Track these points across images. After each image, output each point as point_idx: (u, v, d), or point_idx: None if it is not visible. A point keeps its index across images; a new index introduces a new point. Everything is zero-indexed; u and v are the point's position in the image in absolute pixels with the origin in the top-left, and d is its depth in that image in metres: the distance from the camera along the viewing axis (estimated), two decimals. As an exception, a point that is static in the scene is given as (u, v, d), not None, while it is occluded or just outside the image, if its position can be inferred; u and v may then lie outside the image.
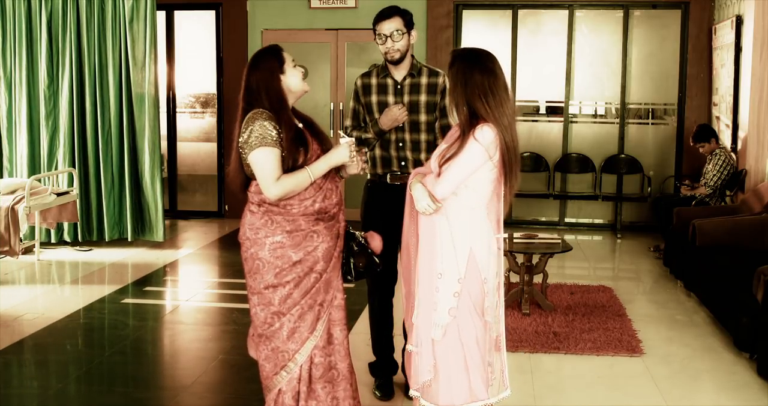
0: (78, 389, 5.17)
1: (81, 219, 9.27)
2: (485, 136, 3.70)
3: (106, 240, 9.33)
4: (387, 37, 4.66)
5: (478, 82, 3.68)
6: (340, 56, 11.08)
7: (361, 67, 10.75)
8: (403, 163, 4.81)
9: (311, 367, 3.84)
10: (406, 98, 4.78)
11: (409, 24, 4.71)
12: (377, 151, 4.85)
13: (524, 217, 11.11)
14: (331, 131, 11.01)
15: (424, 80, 4.80)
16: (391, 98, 4.80)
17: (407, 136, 4.79)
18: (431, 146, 4.81)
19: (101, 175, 9.34)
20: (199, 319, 6.76)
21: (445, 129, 4.82)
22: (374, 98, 4.84)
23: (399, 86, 4.80)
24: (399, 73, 4.80)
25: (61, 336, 6.22)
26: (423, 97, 4.77)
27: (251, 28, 11.15)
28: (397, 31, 4.65)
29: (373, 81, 4.86)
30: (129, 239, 9.39)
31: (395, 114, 4.71)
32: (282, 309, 3.78)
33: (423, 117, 4.78)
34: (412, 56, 4.83)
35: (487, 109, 3.69)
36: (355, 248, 4.01)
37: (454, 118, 4.89)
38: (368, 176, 4.97)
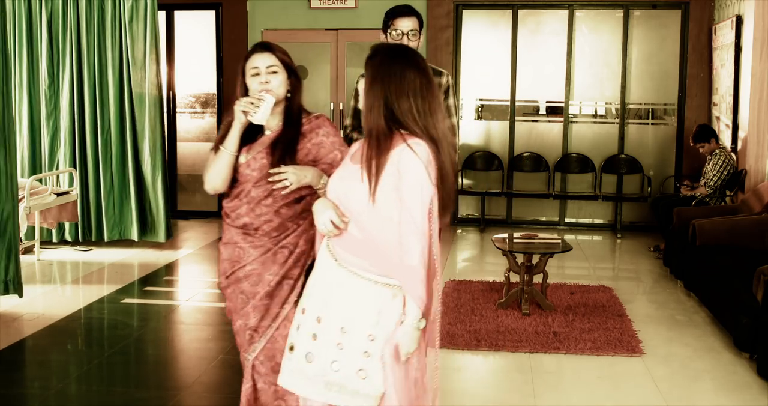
0: (78, 389, 5.16)
1: (81, 219, 9.26)
2: (422, 150, 2.99)
3: (106, 241, 9.31)
4: (404, 34, 4.62)
5: (410, 79, 3.04)
6: (340, 56, 11.08)
7: (360, 67, 10.68)
8: None
9: (256, 391, 3.68)
10: None
11: (421, 26, 4.71)
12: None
13: (524, 217, 11.11)
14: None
15: None
16: None
17: None
18: None
19: (101, 176, 9.31)
20: (199, 319, 6.76)
21: (448, 129, 4.81)
22: None
23: None
24: None
25: (61, 336, 6.21)
26: None
27: (251, 28, 11.14)
28: (414, 30, 4.63)
29: None
30: (135, 240, 9.37)
31: None
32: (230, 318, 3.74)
33: (425, 117, 4.74)
34: None
35: (416, 116, 3.02)
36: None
37: (454, 118, 4.88)
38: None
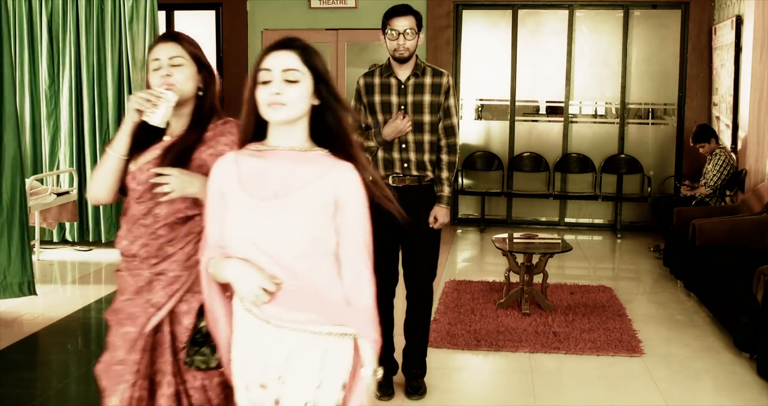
0: (78, 389, 5.17)
1: (80, 219, 9.25)
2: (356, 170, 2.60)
3: (103, 241, 9.29)
4: (400, 34, 4.63)
5: (327, 74, 2.63)
6: (340, 56, 11.08)
7: (361, 67, 10.74)
8: (405, 164, 4.79)
9: None
10: (409, 98, 4.75)
11: (419, 25, 4.71)
12: (379, 153, 4.82)
13: (524, 217, 11.11)
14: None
15: (428, 80, 4.77)
16: (394, 98, 4.77)
17: (410, 137, 4.76)
18: (434, 147, 4.81)
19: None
20: (199, 319, 6.75)
21: (449, 129, 4.83)
22: (377, 98, 4.80)
23: (402, 86, 4.77)
24: (403, 72, 4.77)
25: (61, 336, 6.22)
26: (427, 98, 4.76)
27: (251, 28, 11.14)
28: (410, 29, 4.64)
29: (376, 80, 4.82)
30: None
31: (399, 126, 4.70)
32: None
33: (427, 117, 4.76)
34: (416, 56, 4.80)
35: (342, 121, 2.62)
36: (197, 337, 2.99)
37: (456, 119, 4.88)
38: (369, 178, 4.92)
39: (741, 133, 8.81)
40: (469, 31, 10.96)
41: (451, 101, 4.81)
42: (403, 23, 4.64)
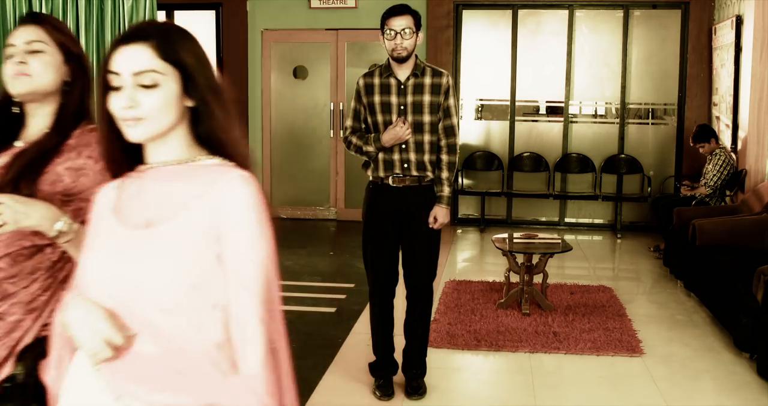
0: None
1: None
2: (252, 184, 1.90)
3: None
4: (397, 33, 4.64)
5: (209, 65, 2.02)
6: (340, 56, 11.08)
7: (361, 67, 10.74)
8: (405, 165, 4.79)
9: None
10: (409, 98, 4.76)
11: (417, 24, 4.71)
12: (379, 154, 4.82)
13: (524, 217, 11.11)
14: (331, 131, 11.05)
15: (427, 80, 4.78)
16: (394, 98, 4.78)
17: (410, 138, 4.76)
18: (434, 147, 4.82)
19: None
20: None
21: (449, 130, 4.83)
22: (377, 98, 4.81)
23: (402, 86, 4.78)
24: (402, 72, 4.78)
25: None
26: (427, 98, 4.76)
27: (251, 28, 11.14)
28: (408, 28, 4.64)
29: (376, 81, 4.83)
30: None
31: (398, 133, 4.70)
32: None
33: (427, 118, 4.77)
34: (416, 56, 4.80)
35: (222, 121, 1.96)
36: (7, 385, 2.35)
37: (456, 118, 4.89)
38: (370, 178, 4.93)
39: (741, 133, 8.81)
40: (469, 31, 10.97)
41: (451, 101, 4.81)
42: (400, 23, 4.65)
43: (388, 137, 4.72)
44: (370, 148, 4.80)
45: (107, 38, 9.26)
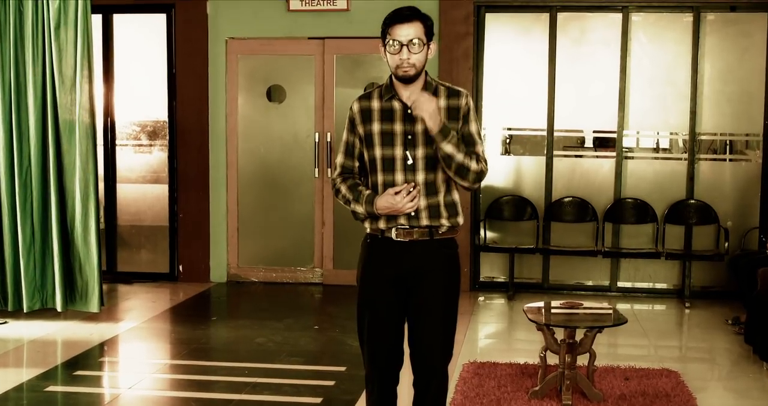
0: None
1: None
2: None
3: (25, 311, 9.35)
4: (403, 45, 4.56)
5: None
6: (327, 72, 11.14)
7: (354, 86, 10.83)
8: (413, 213, 4.71)
9: None
10: (418, 126, 4.66)
11: (429, 33, 4.66)
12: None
13: (566, 280, 11.19)
14: (316, 169, 11.16)
15: (442, 103, 4.71)
16: (398, 126, 4.72)
17: (420, 177, 4.72)
18: (450, 186, 4.78)
19: (18, 227, 9.33)
20: (147, 412, 6.82)
21: (472, 156, 4.70)
22: (376, 127, 4.76)
23: (409, 111, 4.67)
24: (409, 95, 4.70)
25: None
26: None
27: (213, 36, 11.21)
28: (417, 39, 4.58)
29: (375, 104, 4.78)
30: (59, 310, 9.36)
31: (398, 204, 4.64)
32: None
33: (441, 151, 4.72)
34: (426, 73, 4.76)
35: None
36: None
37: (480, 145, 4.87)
38: (367, 230, 4.89)
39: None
40: (494, 41, 11.07)
41: (473, 127, 4.75)
42: (407, 32, 4.58)
43: (383, 204, 4.67)
44: (359, 209, 4.77)
45: (27, 50, 9.26)
